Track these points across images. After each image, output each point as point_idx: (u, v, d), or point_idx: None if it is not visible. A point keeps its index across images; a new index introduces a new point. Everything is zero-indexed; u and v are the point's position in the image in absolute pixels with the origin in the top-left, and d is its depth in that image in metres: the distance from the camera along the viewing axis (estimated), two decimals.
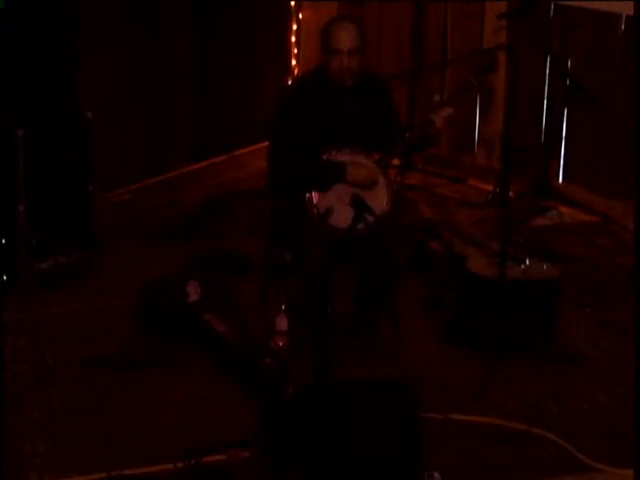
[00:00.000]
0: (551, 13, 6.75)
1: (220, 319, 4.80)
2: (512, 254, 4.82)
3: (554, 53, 6.72)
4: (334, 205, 4.49)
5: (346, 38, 4.57)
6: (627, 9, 6.21)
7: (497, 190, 6.62)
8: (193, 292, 4.93)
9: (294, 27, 7.91)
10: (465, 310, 4.96)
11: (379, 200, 4.57)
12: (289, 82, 7.74)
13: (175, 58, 7.08)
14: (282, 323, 4.55)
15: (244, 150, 7.60)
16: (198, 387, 4.50)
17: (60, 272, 5.46)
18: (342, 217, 4.43)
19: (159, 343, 4.81)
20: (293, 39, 7.93)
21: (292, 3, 7.91)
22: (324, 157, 4.60)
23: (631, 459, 3.73)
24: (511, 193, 5.22)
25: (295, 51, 7.95)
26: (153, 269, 5.54)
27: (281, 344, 4.52)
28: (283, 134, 4.67)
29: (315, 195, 4.55)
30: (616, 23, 6.46)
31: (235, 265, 5.62)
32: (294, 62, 7.94)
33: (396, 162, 4.89)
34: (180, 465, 3.86)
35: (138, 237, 6.13)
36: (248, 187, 6.87)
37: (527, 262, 4.91)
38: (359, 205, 4.36)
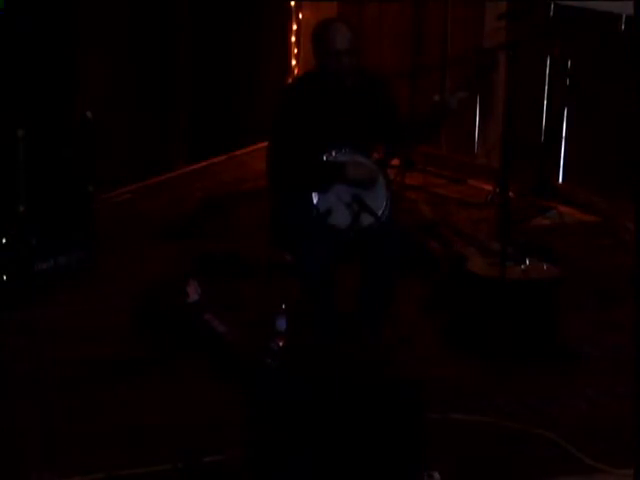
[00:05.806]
0: (551, 13, 6.75)
1: (220, 319, 4.79)
2: (512, 254, 4.82)
3: (554, 53, 6.72)
4: (334, 205, 4.48)
5: (342, 38, 4.58)
6: (627, 9, 6.21)
7: (497, 190, 6.62)
8: (193, 292, 4.93)
9: (294, 27, 7.91)
10: (465, 310, 4.96)
11: (379, 200, 4.57)
12: (289, 82, 7.73)
13: (175, 58, 7.08)
14: (282, 323, 4.55)
15: (244, 150, 7.59)
16: (197, 387, 4.49)
17: (60, 272, 5.46)
18: (342, 217, 4.44)
19: (159, 343, 4.81)
20: (293, 39, 7.93)
21: (292, 3, 7.91)
22: (324, 157, 4.60)
23: (631, 459, 3.73)
24: (511, 193, 5.22)
25: (295, 51, 7.95)
26: (153, 269, 5.54)
27: (281, 344, 4.52)
28: (283, 134, 4.66)
29: (315, 195, 4.54)
30: (616, 23, 6.46)
31: (235, 265, 5.62)
32: (294, 62, 7.94)
33: (396, 162, 4.89)
34: (180, 465, 3.86)
35: (138, 237, 6.12)
36: (248, 187, 6.87)
37: (527, 262, 4.91)
38: (359, 205, 4.36)
